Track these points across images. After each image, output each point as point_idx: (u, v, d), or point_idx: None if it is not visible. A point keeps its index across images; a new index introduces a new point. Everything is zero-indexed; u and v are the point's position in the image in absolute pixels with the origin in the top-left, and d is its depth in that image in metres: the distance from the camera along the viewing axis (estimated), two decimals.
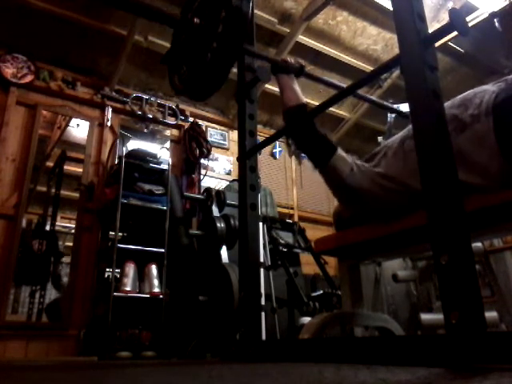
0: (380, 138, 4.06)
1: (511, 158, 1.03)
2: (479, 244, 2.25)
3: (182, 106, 5.01)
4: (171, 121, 4.90)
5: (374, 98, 1.82)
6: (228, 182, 4.94)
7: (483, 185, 1.09)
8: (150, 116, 4.74)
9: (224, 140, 5.33)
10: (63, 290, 4.49)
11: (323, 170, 1.39)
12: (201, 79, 1.50)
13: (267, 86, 4.89)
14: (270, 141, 1.61)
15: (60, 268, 4.77)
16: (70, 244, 4.37)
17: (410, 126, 1.32)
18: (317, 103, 1.41)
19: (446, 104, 1.19)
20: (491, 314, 2.10)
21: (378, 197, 1.31)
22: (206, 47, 1.44)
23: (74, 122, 4.83)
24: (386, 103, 1.88)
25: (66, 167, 4.96)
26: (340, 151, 1.38)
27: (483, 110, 1.09)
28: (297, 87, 1.57)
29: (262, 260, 2.98)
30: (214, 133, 5.26)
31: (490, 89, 1.13)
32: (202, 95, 1.69)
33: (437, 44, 0.95)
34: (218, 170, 5.17)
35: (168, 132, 5.02)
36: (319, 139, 1.41)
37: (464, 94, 1.21)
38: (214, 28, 1.43)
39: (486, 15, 4.26)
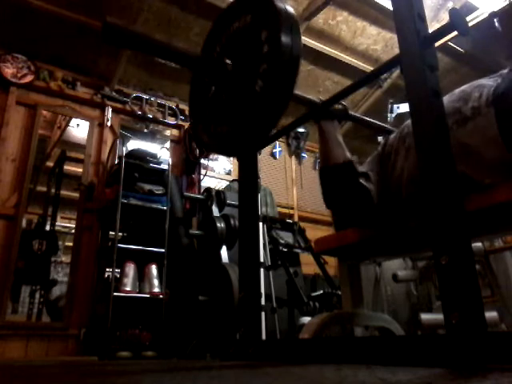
0: (380, 138, 4.06)
1: None
2: (479, 244, 2.25)
3: (181, 106, 5.00)
4: (171, 121, 4.90)
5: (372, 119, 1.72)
6: (228, 182, 4.94)
7: (485, 177, 1.09)
8: (150, 116, 4.74)
9: None
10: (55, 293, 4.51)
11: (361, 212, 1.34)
12: (236, 136, 1.20)
13: None
14: (270, 141, 1.60)
15: (56, 271, 4.76)
16: (70, 244, 4.37)
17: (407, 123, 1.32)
18: None
19: (445, 97, 1.19)
20: (491, 314, 2.10)
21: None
22: (242, 100, 1.16)
23: (74, 122, 4.83)
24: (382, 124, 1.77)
25: (66, 167, 4.96)
26: (368, 186, 1.31)
27: (483, 102, 1.09)
28: (341, 139, 1.38)
29: (262, 260, 2.98)
30: None
31: (487, 83, 1.14)
32: (234, 152, 1.45)
33: (437, 44, 0.95)
34: (218, 170, 5.17)
35: (168, 132, 5.02)
36: (361, 194, 1.30)
37: (461, 87, 1.21)
38: (254, 78, 1.10)
39: (485, 15, 4.25)
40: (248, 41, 1.19)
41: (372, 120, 1.67)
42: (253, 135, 1.18)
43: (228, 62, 1.19)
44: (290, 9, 1.11)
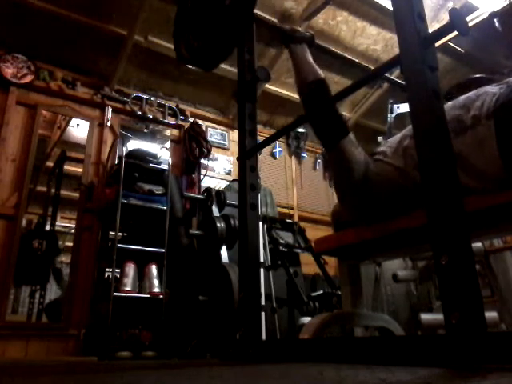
0: (380, 138, 4.06)
1: (511, 162, 1.03)
2: (479, 244, 2.25)
3: (181, 106, 5.01)
4: (171, 121, 4.90)
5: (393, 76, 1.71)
6: (228, 182, 4.94)
7: (481, 188, 1.09)
8: (150, 116, 4.74)
9: (224, 140, 5.33)
10: (64, 286, 4.51)
11: (332, 151, 1.35)
12: (209, 46, 1.45)
13: (267, 85, 4.89)
14: (269, 141, 1.60)
15: (60, 264, 4.77)
16: (70, 244, 4.38)
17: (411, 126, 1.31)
18: None
19: (449, 104, 1.19)
20: (491, 314, 2.10)
21: (386, 189, 1.29)
22: (215, 11, 1.40)
23: (74, 122, 4.83)
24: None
25: (66, 167, 4.96)
26: (352, 137, 1.34)
27: (484, 112, 1.08)
28: (311, 59, 1.46)
29: (262, 260, 2.98)
30: (214, 133, 5.26)
31: (491, 91, 1.12)
32: (209, 63, 1.61)
33: (437, 44, 0.95)
34: (218, 170, 5.17)
35: (168, 132, 5.02)
36: (336, 119, 1.34)
37: (467, 94, 1.19)
38: None
39: (486, 15, 4.26)
40: None
41: (338, 51, 1.80)
42: (224, 43, 1.43)
43: None
44: None
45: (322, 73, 1.42)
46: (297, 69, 1.46)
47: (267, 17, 4.47)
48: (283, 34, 1.53)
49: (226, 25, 1.40)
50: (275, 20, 4.54)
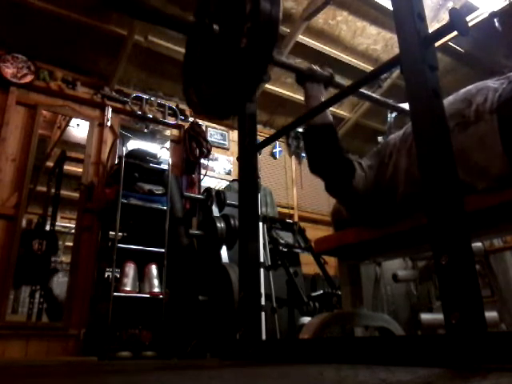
0: (380, 138, 4.06)
1: None
2: (479, 244, 2.25)
3: (181, 106, 5.00)
4: (171, 121, 4.90)
5: (376, 95, 1.76)
6: (228, 182, 4.94)
7: (482, 186, 1.09)
8: (150, 116, 4.74)
9: (224, 140, 5.33)
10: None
11: (343, 190, 1.36)
12: (224, 95, 1.30)
13: (267, 85, 4.89)
14: (269, 141, 1.60)
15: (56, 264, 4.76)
16: (70, 244, 4.38)
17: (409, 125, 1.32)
18: None
19: (449, 99, 1.18)
20: (491, 314, 2.10)
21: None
22: (229, 59, 1.26)
23: (74, 122, 4.83)
24: (388, 101, 1.82)
25: (66, 167, 4.96)
26: (357, 168, 1.33)
27: (487, 108, 1.07)
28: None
29: (262, 260, 2.98)
30: (214, 133, 5.26)
31: (492, 86, 1.12)
32: (226, 111, 1.47)
33: (437, 44, 0.95)
34: (218, 170, 5.17)
35: (168, 132, 5.02)
36: (342, 161, 1.33)
37: (466, 88, 1.19)
38: (239, 37, 1.23)
39: (485, 15, 4.26)
40: (232, 4, 1.32)
41: (352, 82, 1.74)
42: (241, 90, 1.27)
43: (215, 27, 1.30)
44: None
45: (331, 118, 1.40)
46: (308, 108, 1.43)
47: None
48: (299, 73, 1.47)
49: (243, 69, 1.23)
50: None
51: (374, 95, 1.78)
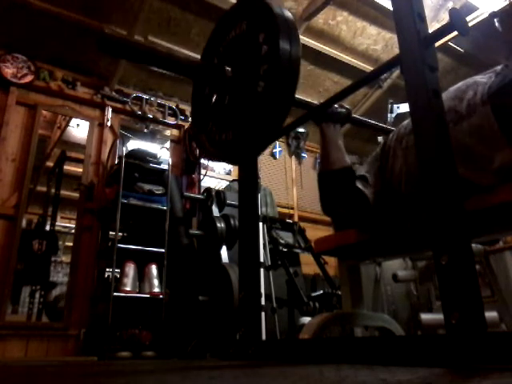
0: (380, 138, 4.06)
1: None
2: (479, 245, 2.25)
3: (181, 106, 5.00)
4: (171, 121, 4.89)
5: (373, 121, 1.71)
6: (228, 182, 4.94)
7: (482, 179, 1.09)
8: (150, 116, 4.74)
9: None
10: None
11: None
12: (241, 143, 1.19)
13: None
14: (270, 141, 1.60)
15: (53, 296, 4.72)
16: (70, 244, 4.38)
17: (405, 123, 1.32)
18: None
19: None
20: (491, 314, 2.10)
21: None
22: (245, 104, 1.17)
23: (74, 122, 4.83)
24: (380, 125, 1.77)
25: (66, 167, 4.96)
26: (367, 193, 1.32)
27: (478, 100, 1.08)
28: (341, 143, 1.38)
29: (262, 260, 2.98)
30: None
31: (481, 80, 1.13)
32: (238, 160, 1.39)
33: (437, 44, 0.95)
34: (218, 170, 5.17)
35: (168, 132, 5.02)
36: (357, 198, 1.31)
37: (457, 85, 1.20)
38: (255, 80, 1.13)
39: (485, 15, 4.25)
40: (246, 46, 1.22)
41: (373, 122, 1.67)
42: (259, 137, 1.17)
43: (228, 69, 1.21)
44: (287, 12, 1.15)
45: (348, 160, 1.36)
46: (324, 152, 1.39)
47: None
48: (316, 113, 1.41)
49: (261, 115, 1.11)
50: None
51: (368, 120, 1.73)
